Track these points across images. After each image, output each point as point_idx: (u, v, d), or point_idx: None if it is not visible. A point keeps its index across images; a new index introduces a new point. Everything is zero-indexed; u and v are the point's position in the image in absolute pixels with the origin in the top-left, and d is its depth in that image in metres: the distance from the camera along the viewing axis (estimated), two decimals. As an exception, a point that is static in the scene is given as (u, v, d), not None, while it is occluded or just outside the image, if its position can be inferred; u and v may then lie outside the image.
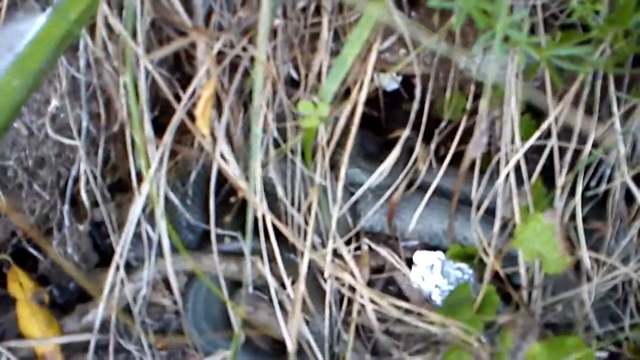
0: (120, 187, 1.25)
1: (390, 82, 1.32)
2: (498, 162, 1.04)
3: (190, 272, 1.20)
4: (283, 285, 1.15)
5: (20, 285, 1.15)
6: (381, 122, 1.34)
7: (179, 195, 1.20)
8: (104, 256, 1.24)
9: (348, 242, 1.22)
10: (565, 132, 1.04)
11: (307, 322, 1.18)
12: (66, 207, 1.16)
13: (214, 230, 1.11)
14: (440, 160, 1.18)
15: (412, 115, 1.05)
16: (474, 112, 1.16)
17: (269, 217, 1.03)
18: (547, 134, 1.02)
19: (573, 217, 1.03)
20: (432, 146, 1.15)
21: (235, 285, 1.22)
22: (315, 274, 1.20)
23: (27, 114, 1.08)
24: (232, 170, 1.03)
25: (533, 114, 1.18)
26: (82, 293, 1.19)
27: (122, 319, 1.07)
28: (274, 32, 1.01)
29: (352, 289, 1.14)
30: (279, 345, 1.18)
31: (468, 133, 1.14)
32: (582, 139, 0.98)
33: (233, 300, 1.25)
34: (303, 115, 0.90)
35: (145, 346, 1.10)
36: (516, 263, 1.09)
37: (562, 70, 0.90)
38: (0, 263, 1.21)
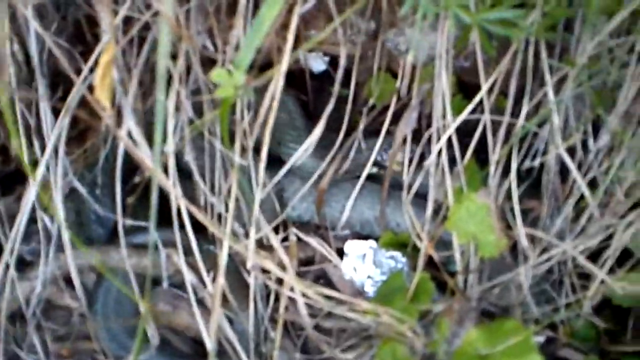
0: (19, 178, 1.13)
1: (317, 62, 1.25)
2: (429, 140, 0.98)
3: (103, 267, 1.09)
4: (203, 281, 1.05)
5: None
6: (309, 105, 1.27)
7: (86, 185, 1.11)
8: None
9: (275, 233, 1.14)
10: (499, 109, 1.00)
11: (231, 321, 1.09)
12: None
13: (121, 219, 0.99)
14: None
15: (333, 97, 0.98)
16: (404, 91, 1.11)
17: (184, 203, 0.93)
18: (482, 111, 0.97)
19: (509, 197, 0.98)
20: (360, 127, 1.08)
21: (152, 282, 1.12)
22: (238, 267, 1.12)
23: None
24: (143, 150, 0.92)
25: (465, 95, 1.14)
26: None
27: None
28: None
29: (280, 282, 1.06)
30: (202, 347, 1.09)
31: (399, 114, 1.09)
32: (517, 113, 0.93)
33: (149, 299, 1.15)
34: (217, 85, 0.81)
35: (40, 354, 0.97)
36: (451, 249, 1.03)
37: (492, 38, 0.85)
38: None
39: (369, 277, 1.15)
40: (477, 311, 0.89)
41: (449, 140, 0.96)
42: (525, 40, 0.88)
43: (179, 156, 1.08)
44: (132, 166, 1.08)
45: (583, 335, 0.99)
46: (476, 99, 0.93)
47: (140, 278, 1.08)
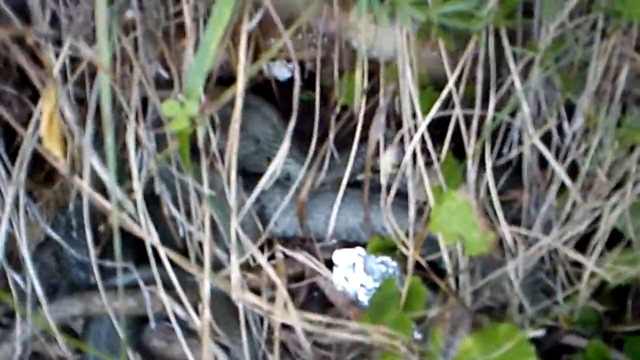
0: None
1: (282, 71, 1.22)
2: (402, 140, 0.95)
3: (87, 315, 1.06)
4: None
5: None
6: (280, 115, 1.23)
7: (62, 229, 1.08)
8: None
9: (261, 251, 1.10)
10: (470, 100, 0.96)
11: (227, 349, 1.07)
12: None
13: (95, 263, 0.96)
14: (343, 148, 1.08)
15: (296, 102, 0.94)
16: (372, 93, 1.08)
17: (156, 243, 0.90)
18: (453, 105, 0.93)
19: (490, 191, 0.95)
20: (331, 135, 1.05)
21: (141, 320, 1.10)
22: (227, 293, 1.08)
23: None
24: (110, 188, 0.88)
25: (436, 87, 1.10)
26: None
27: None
28: (131, 27, 0.88)
29: (272, 299, 1.03)
30: (201, 379, 1.06)
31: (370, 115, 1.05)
32: (487, 105, 0.90)
33: (142, 338, 1.12)
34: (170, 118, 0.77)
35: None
36: (439, 248, 1.00)
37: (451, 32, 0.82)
38: None
39: (361, 285, 1.12)
40: (472, 313, 0.86)
41: (423, 138, 0.93)
42: (486, 30, 0.84)
43: (152, 186, 1.06)
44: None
45: (584, 320, 0.97)
46: (444, 93, 0.90)
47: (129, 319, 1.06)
